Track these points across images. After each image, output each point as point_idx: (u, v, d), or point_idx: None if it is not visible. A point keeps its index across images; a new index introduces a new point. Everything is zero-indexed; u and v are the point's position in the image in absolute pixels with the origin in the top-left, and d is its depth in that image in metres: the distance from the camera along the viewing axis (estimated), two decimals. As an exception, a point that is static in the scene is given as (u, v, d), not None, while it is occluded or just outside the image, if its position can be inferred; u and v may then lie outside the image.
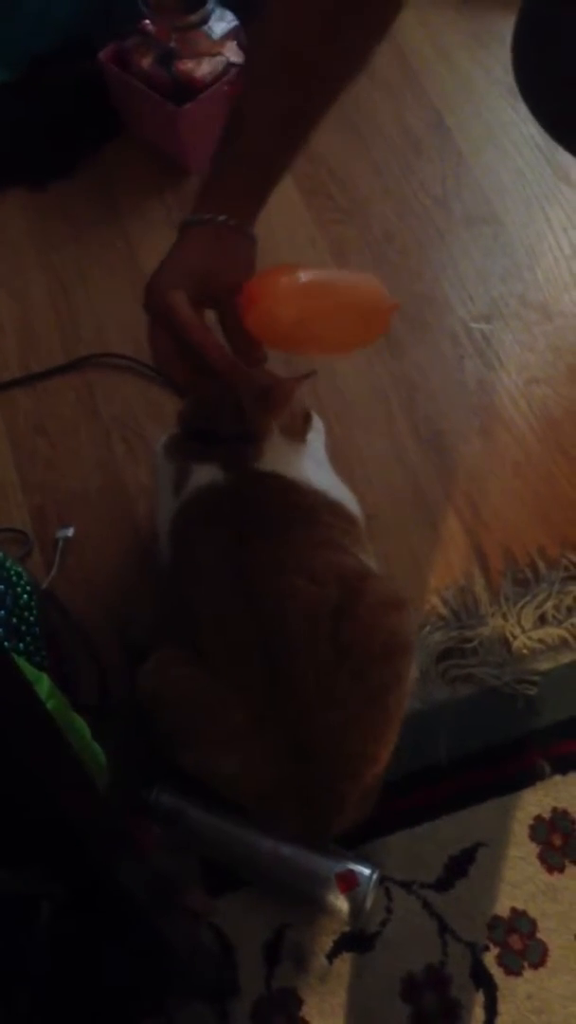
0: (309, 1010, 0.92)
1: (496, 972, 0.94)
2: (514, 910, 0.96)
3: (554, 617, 1.10)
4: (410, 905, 0.96)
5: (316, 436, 1.03)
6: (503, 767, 1.02)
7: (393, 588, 0.94)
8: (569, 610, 1.11)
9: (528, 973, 0.94)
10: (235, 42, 1.39)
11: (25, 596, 0.98)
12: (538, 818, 1.00)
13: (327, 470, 1.03)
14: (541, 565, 1.14)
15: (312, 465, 0.99)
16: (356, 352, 1.30)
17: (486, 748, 1.03)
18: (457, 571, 1.15)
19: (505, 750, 1.03)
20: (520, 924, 0.96)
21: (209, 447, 0.95)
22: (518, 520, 1.18)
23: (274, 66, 0.78)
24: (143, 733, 0.91)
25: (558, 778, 1.02)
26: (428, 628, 1.09)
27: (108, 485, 1.21)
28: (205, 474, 0.93)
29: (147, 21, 1.36)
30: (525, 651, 1.09)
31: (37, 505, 1.20)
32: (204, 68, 1.36)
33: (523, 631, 1.09)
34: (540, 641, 1.09)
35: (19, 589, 0.98)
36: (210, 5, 1.34)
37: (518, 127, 1.48)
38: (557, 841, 0.99)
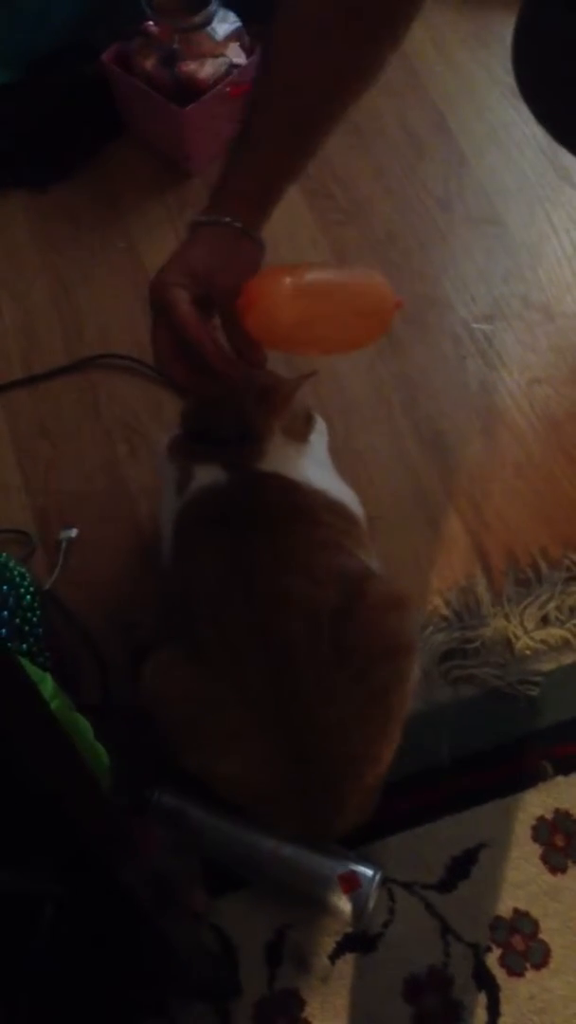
0: (311, 1011, 0.93)
1: (498, 973, 0.94)
2: (516, 911, 0.96)
3: (556, 618, 1.10)
4: (412, 906, 0.96)
5: (318, 437, 1.03)
6: (505, 768, 1.02)
7: (395, 588, 0.94)
8: (571, 611, 1.11)
9: (530, 974, 0.94)
10: (238, 43, 1.39)
11: (28, 597, 0.98)
12: (540, 819, 1.00)
13: (329, 471, 1.03)
14: (543, 566, 1.14)
15: (314, 466, 0.99)
16: (358, 352, 1.30)
17: (488, 749, 1.03)
18: (459, 572, 1.15)
19: (507, 751, 1.03)
20: (522, 925, 0.96)
21: (211, 448, 0.95)
22: (520, 520, 1.18)
23: (286, 72, 0.78)
24: (145, 734, 0.91)
25: (560, 779, 1.02)
26: (430, 629, 1.09)
27: (110, 486, 1.21)
28: (207, 475, 0.93)
29: (150, 22, 1.37)
30: (527, 652, 1.09)
31: (40, 506, 1.20)
32: (207, 69, 1.36)
33: (525, 632, 1.09)
34: (542, 642, 1.09)
35: (22, 590, 0.98)
36: (213, 6, 1.34)
37: (520, 127, 1.48)
38: (559, 842, 0.99)
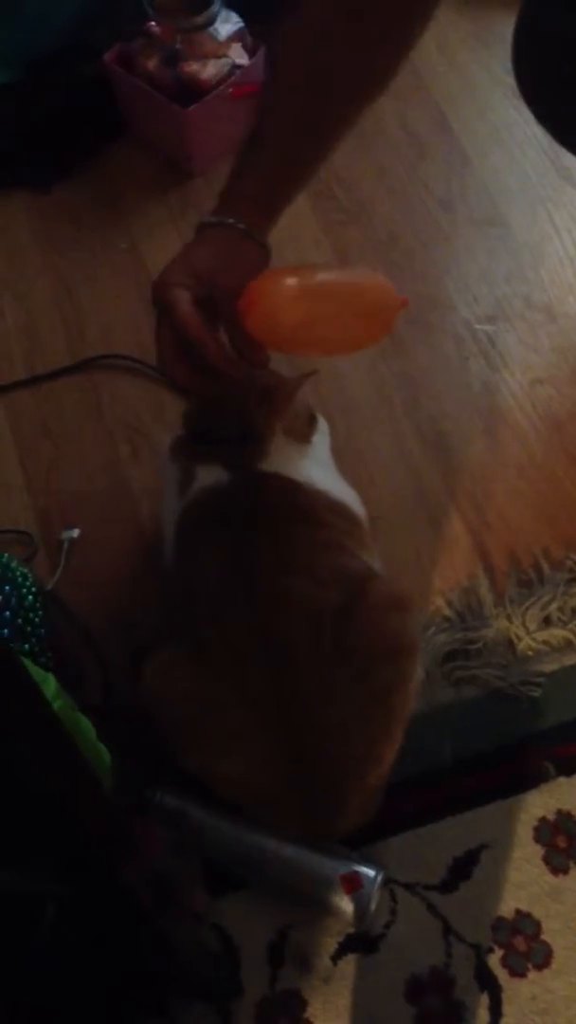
0: (313, 1011, 0.92)
1: (500, 973, 0.94)
2: (518, 912, 0.96)
3: (559, 619, 1.10)
4: (414, 907, 0.96)
5: (320, 437, 1.03)
6: (507, 769, 1.02)
7: (397, 589, 0.94)
8: (573, 611, 1.11)
9: (532, 974, 0.94)
10: (240, 44, 1.39)
11: (30, 597, 0.98)
12: (542, 820, 1.00)
13: (331, 471, 1.03)
14: (545, 566, 1.14)
15: (316, 466, 0.99)
16: (360, 352, 1.29)
17: (490, 750, 1.03)
18: (461, 572, 1.15)
19: (509, 752, 1.03)
20: (524, 925, 0.96)
21: (213, 448, 0.95)
22: (522, 521, 1.18)
23: (292, 75, 0.78)
24: (146, 734, 0.91)
25: (562, 780, 1.02)
26: (432, 629, 1.09)
27: (112, 486, 1.21)
28: (209, 475, 0.93)
29: (152, 23, 1.37)
30: (530, 652, 1.08)
31: (42, 506, 1.20)
32: (209, 70, 1.37)
33: (528, 632, 1.09)
34: (545, 643, 1.09)
35: (24, 590, 0.98)
36: (215, 7, 1.34)
37: (522, 128, 1.48)
38: (561, 843, 0.99)
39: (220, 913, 0.96)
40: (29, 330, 1.34)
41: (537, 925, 0.96)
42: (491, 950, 0.95)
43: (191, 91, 1.36)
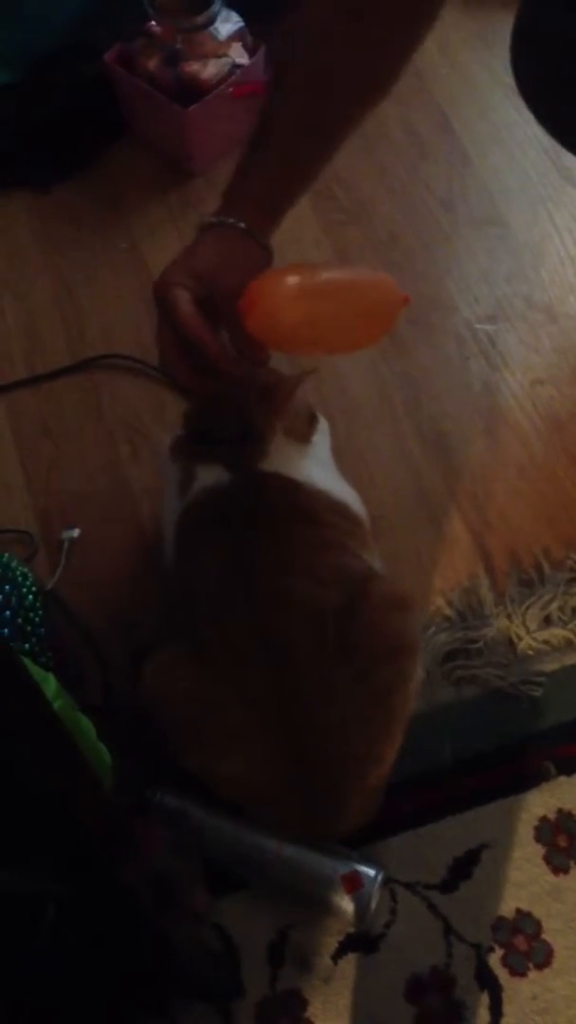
0: (313, 1011, 0.92)
1: (501, 973, 0.94)
2: (519, 911, 0.96)
3: (559, 618, 1.10)
4: (415, 906, 0.96)
5: (321, 437, 1.03)
6: (508, 768, 1.02)
7: (398, 589, 0.94)
8: (574, 611, 1.11)
9: (533, 974, 0.94)
10: (241, 43, 1.39)
11: (31, 597, 0.98)
12: (543, 819, 1.00)
13: (332, 471, 1.02)
14: (546, 566, 1.14)
15: (317, 466, 0.99)
16: (360, 352, 1.30)
17: (491, 749, 1.03)
18: (462, 572, 1.15)
19: (510, 751, 1.03)
20: (525, 925, 0.96)
21: (214, 448, 0.95)
22: (523, 521, 1.18)
23: (295, 75, 0.78)
24: (146, 734, 0.91)
25: (563, 779, 1.02)
26: (433, 629, 1.09)
27: (113, 486, 1.21)
28: (210, 475, 0.93)
29: (153, 23, 1.37)
30: (530, 652, 1.08)
31: (42, 506, 1.20)
32: (210, 69, 1.37)
33: (528, 632, 1.09)
34: (545, 642, 1.09)
35: (24, 590, 0.98)
36: (216, 7, 1.34)
37: (523, 128, 1.48)
38: (562, 842, 0.99)
39: (220, 913, 0.96)
40: (29, 330, 1.34)
41: (538, 924, 0.96)
42: (492, 950, 0.95)
43: (191, 91, 1.36)
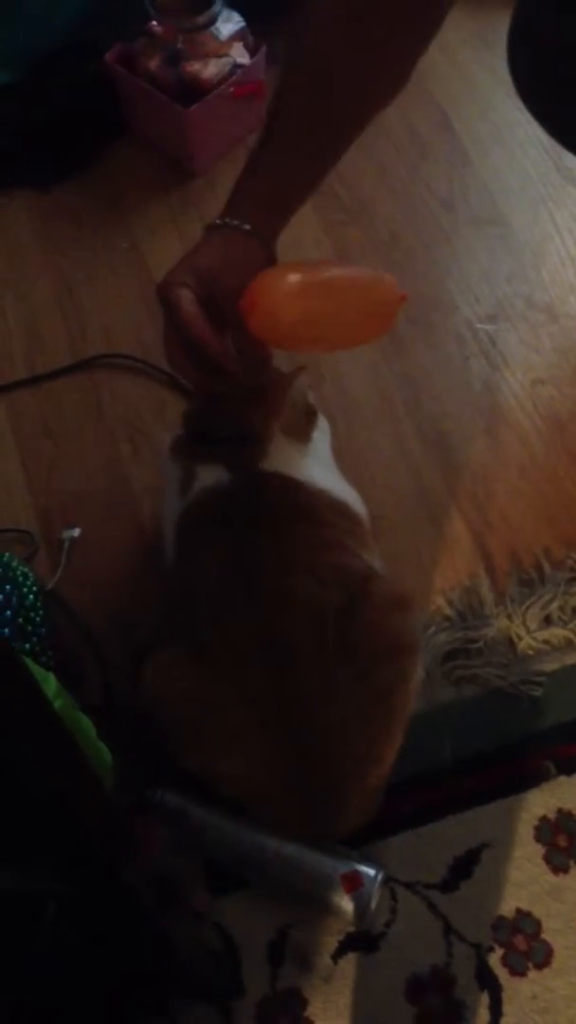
0: (313, 1010, 0.93)
1: (501, 973, 0.94)
2: (519, 911, 0.96)
3: (559, 618, 1.10)
4: (415, 906, 0.96)
5: (321, 436, 1.03)
6: (508, 768, 1.02)
7: (398, 588, 0.94)
8: (574, 611, 1.11)
9: (533, 974, 0.94)
10: (242, 43, 1.39)
11: (31, 596, 0.98)
12: (543, 819, 1.00)
13: (332, 470, 1.03)
14: (546, 566, 1.14)
15: (317, 465, 0.99)
16: (361, 352, 1.30)
17: (491, 749, 1.03)
18: (462, 572, 1.15)
19: (510, 751, 1.03)
20: (525, 925, 0.96)
21: (214, 448, 0.95)
22: (523, 521, 1.18)
23: (300, 78, 0.79)
24: (147, 733, 0.91)
25: (563, 779, 1.02)
26: (433, 629, 1.09)
27: (113, 486, 1.21)
28: (210, 475, 0.93)
29: (154, 22, 1.37)
30: (530, 652, 1.09)
31: (42, 506, 1.20)
32: (211, 69, 1.37)
33: (528, 632, 1.09)
34: (545, 642, 1.09)
35: (25, 589, 0.98)
36: (217, 6, 1.34)
37: (524, 128, 1.48)
38: (562, 842, 0.99)
39: (221, 912, 0.96)
40: (30, 329, 1.34)
41: (538, 924, 0.96)
42: (492, 949, 0.95)
43: (192, 91, 1.36)
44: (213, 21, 1.36)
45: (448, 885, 0.97)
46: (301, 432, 0.99)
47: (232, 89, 1.38)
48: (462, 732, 1.04)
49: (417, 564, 1.15)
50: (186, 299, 0.77)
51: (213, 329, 0.78)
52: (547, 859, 0.98)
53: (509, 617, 1.10)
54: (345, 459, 1.08)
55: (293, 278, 0.76)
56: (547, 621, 1.10)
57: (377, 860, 0.95)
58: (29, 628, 0.97)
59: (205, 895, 0.96)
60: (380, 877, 0.92)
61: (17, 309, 1.36)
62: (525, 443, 1.23)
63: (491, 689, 1.06)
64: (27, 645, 0.96)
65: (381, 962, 0.94)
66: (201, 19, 1.34)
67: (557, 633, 1.09)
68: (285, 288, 0.76)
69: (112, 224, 1.43)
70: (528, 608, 1.10)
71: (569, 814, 1.00)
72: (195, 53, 1.36)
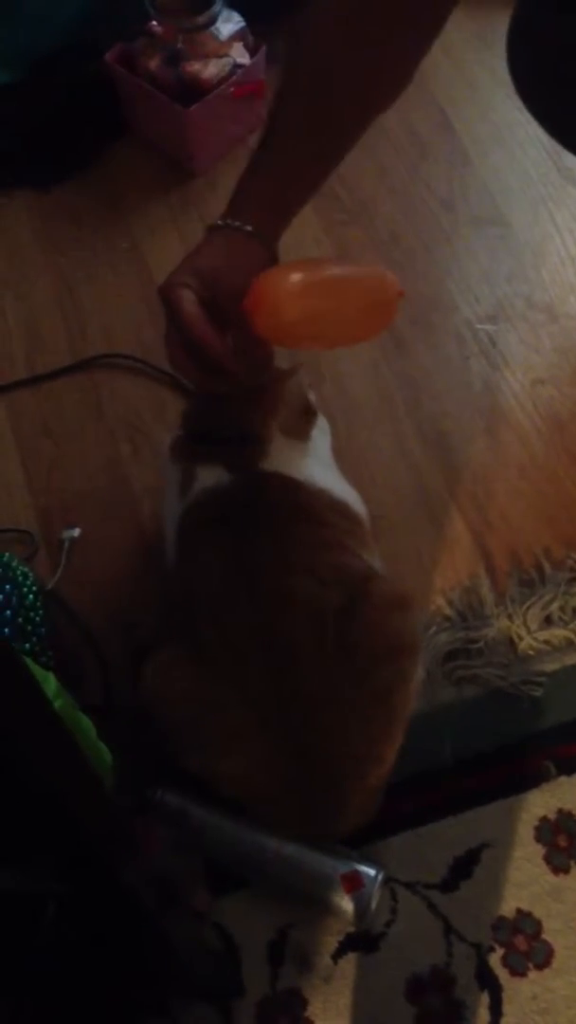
0: (313, 1010, 0.92)
1: (501, 973, 0.94)
2: (519, 911, 0.96)
3: (560, 618, 1.10)
4: (415, 906, 0.96)
5: (321, 436, 1.03)
6: (508, 768, 1.02)
7: (399, 589, 0.94)
8: (574, 611, 1.11)
9: (533, 974, 0.94)
10: (242, 43, 1.39)
11: (31, 596, 0.98)
12: (543, 819, 1.00)
13: (332, 470, 1.03)
14: (547, 566, 1.14)
15: (317, 465, 0.99)
16: (361, 353, 1.30)
17: (491, 749, 1.03)
18: (462, 572, 1.15)
19: (510, 751, 1.03)
20: (525, 925, 0.96)
21: (213, 448, 0.95)
22: (523, 521, 1.18)
23: (300, 78, 0.79)
24: (147, 733, 0.91)
25: (563, 779, 1.02)
26: (434, 629, 1.09)
27: (113, 485, 1.21)
28: (210, 475, 0.93)
29: (154, 22, 1.37)
30: (531, 652, 1.08)
31: (43, 506, 1.20)
32: (211, 69, 1.37)
33: (529, 632, 1.09)
34: (546, 642, 1.09)
35: (25, 589, 0.98)
36: (217, 6, 1.34)
37: (524, 128, 1.48)
38: (562, 842, 0.99)
39: (221, 912, 0.96)
40: (30, 329, 1.34)
41: (538, 924, 0.96)
42: (492, 949, 0.95)
43: (192, 91, 1.36)
44: (213, 21, 1.36)
45: (448, 885, 0.97)
46: (300, 430, 0.99)
47: (232, 89, 1.38)
48: (462, 732, 1.04)
49: (417, 564, 1.15)
50: (188, 300, 0.77)
51: (215, 329, 0.78)
52: (547, 859, 0.98)
53: (509, 617, 1.10)
54: (345, 459, 1.08)
55: (295, 277, 0.77)
56: (547, 621, 1.10)
57: (377, 860, 0.95)
58: (29, 628, 0.97)
59: (205, 895, 0.96)
60: (380, 877, 0.92)
61: (17, 309, 1.36)
62: (525, 443, 1.23)
63: (491, 689, 1.06)
64: (27, 645, 0.96)
65: (381, 962, 0.94)
66: (201, 19, 1.34)
67: (557, 633, 1.09)
68: (288, 287, 0.76)
69: (112, 224, 1.43)
70: (528, 608, 1.10)
71: (569, 814, 1.00)
72: (195, 53, 1.36)
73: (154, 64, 1.37)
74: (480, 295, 1.36)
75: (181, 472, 0.97)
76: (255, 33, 1.40)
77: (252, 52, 1.40)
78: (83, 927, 0.68)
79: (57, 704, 0.83)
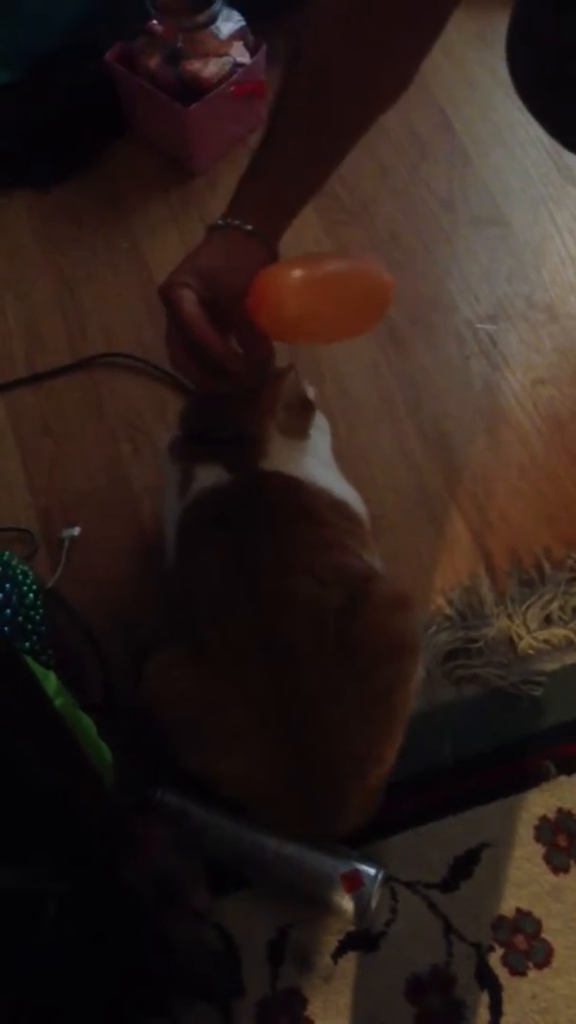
0: (313, 1010, 0.92)
1: (501, 972, 0.94)
2: (519, 910, 0.96)
3: (559, 618, 1.10)
4: (415, 905, 0.96)
5: (321, 436, 1.03)
6: (508, 768, 1.02)
7: (399, 588, 0.94)
8: (574, 611, 1.11)
9: (533, 973, 0.94)
10: (242, 42, 1.39)
11: (31, 595, 0.98)
12: (543, 819, 1.00)
13: (332, 470, 1.02)
14: (546, 566, 1.14)
15: (317, 464, 0.99)
16: (362, 352, 1.30)
17: (491, 749, 1.03)
18: (463, 572, 1.15)
19: (510, 751, 1.03)
20: (525, 924, 0.96)
21: (213, 448, 0.95)
22: (523, 521, 1.18)
23: (300, 78, 0.79)
24: (147, 733, 0.91)
25: (563, 779, 1.02)
26: (434, 628, 1.09)
27: (113, 485, 1.21)
28: (209, 475, 0.93)
29: (154, 21, 1.37)
30: (531, 652, 1.09)
31: (43, 505, 1.20)
32: (211, 68, 1.37)
33: (528, 632, 1.09)
34: (546, 642, 1.09)
35: (25, 588, 0.98)
36: (217, 5, 1.34)
37: (524, 128, 1.48)
38: (562, 842, 0.99)
39: (221, 912, 0.96)
40: (30, 329, 1.34)
41: (538, 924, 0.96)
42: (492, 949, 0.95)
43: (193, 90, 1.36)
44: (213, 20, 1.36)
45: (448, 885, 0.97)
46: (299, 428, 0.99)
47: (232, 88, 1.38)
48: (462, 732, 1.04)
49: (417, 564, 1.15)
50: (188, 300, 0.78)
51: (215, 329, 0.78)
52: (547, 859, 0.98)
53: (509, 617, 1.10)
54: (345, 459, 1.08)
55: (297, 273, 0.77)
56: (547, 621, 1.10)
57: (377, 860, 0.95)
58: (29, 627, 0.97)
59: (205, 895, 0.96)
60: (380, 877, 0.92)
61: (17, 309, 1.36)
62: (525, 443, 1.24)
63: (491, 689, 1.06)
64: (27, 644, 0.96)
65: (381, 961, 0.94)
66: (201, 18, 1.34)
67: (557, 633, 1.09)
68: (290, 284, 0.77)
69: (112, 224, 1.43)
70: (528, 608, 1.10)
71: (569, 814, 1.00)
72: (195, 52, 1.36)
73: (154, 63, 1.37)
74: (480, 295, 1.36)
75: (180, 472, 0.97)
76: (255, 32, 1.40)
77: (252, 51, 1.41)
78: (83, 926, 0.68)
79: (58, 703, 0.83)
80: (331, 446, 1.06)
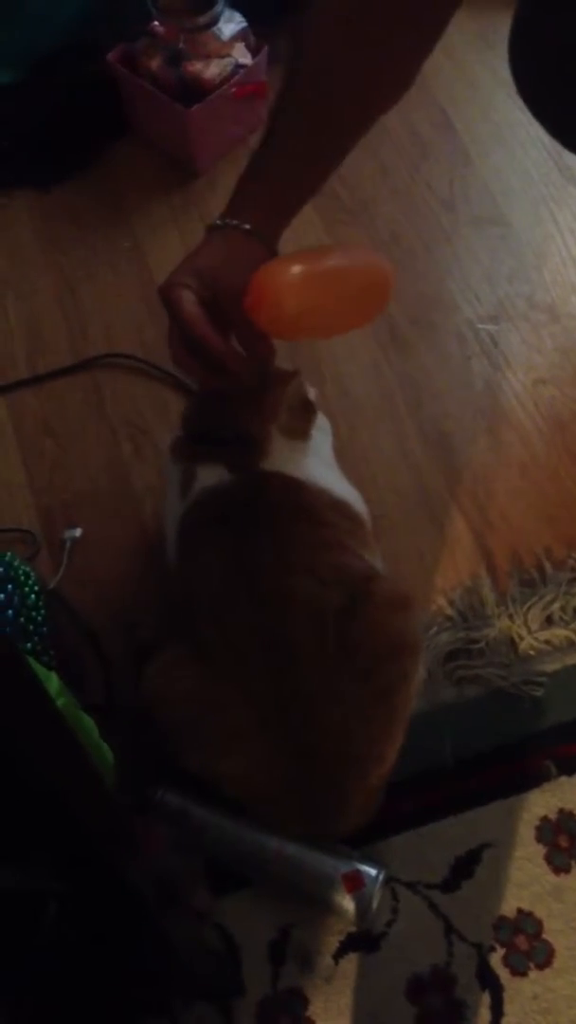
0: (314, 1010, 0.93)
1: (502, 973, 0.94)
2: (520, 911, 0.96)
3: (561, 618, 1.10)
4: (416, 906, 0.96)
5: (322, 436, 1.03)
6: (509, 768, 1.02)
7: (400, 589, 0.94)
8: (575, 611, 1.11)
9: (534, 974, 0.94)
10: (243, 43, 1.39)
11: (33, 596, 0.98)
12: (544, 819, 1.00)
13: (333, 470, 1.02)
14: (548, 566, 1.14)
15: (318, 465, 0.99)
16: (363, 352, 1.30)
17: (492, 749, 1.03)
18: (463, 572, 1.15)
19: (511, 751, 1.03)
20: (526, 925, 0.96)
21: (214, 449, 0.95)
22: (524, 521, 1.18)
23: (300, 78, 0.79)
24: (148, 733, 0.91)
25: (564, 779, 1.02)
26: (435, 629, 1.09)
27: (115, 485, 1.22)
28: (210, 475, 0.93)
29: (156, 22, 1.37)
30: (532, 652, 1.09)
31: (44, 505, 1.20)
32: (212, 69, 1.37)
33: (529, 632, 1.09)
34: (547, 642, 1.09)
35: (27, 589, 0.98)
36: (219, 7, 1.34)
37: (525, 128, 1.48)
38: (563, 842, 0.99)
39: (222, 912, 0.96)
40: (31, 329, 1.34)
41: (539, 924, 0.96)
42: (493, 949, 0.95)
43: (194, 91, 1.36)
44: (215, 21, 1.36)
45: (449, 885, 0.97)
46: (300, 430, 0.99)
47: (234, 89, 1.38)
48: (463, 732, 1.04)
49: (418, 564, 1.15)
50: (188, 300, 0.78)
51: (216, 328, 0.78)
52: (548, 859, 0.98)
53: (510, 617, 1.10)
54: (346, 459, 1.08)
55: (296, 270, 0.77)
56: (548, 621, 1.10)
57: (378, 860, 0.95)
58: (31, 627, 0.97)
59: (206, 895, 0.96)
60: (381, 877, 0.92)
61: (18, 309, 1.36)
62: (526, 443, 1.24)
63: (492, 689, 1.06)
64: (29, 644, 0.96)
65: (382, 962, 0.94)
66: (203, 19, 1.34)
67: (558, 633, 1.09)
68: (289, 280, 0.77)
69: (113, 224, 1.43)
70: (529, 608, 1.10)
71: (570, 814, 1.00)
72: (197, 53, 1.36)
73: (156, 64, 1.37)
74: (481, 295, 1.36)
75: (181, 472, 0.97)
76: (257, 33, 1.40)
77: (254, 52, 1.41)
78: (83, 926, 0.68)
79: (59, 703, 0.83)
80: (332, 446, 1.06)
